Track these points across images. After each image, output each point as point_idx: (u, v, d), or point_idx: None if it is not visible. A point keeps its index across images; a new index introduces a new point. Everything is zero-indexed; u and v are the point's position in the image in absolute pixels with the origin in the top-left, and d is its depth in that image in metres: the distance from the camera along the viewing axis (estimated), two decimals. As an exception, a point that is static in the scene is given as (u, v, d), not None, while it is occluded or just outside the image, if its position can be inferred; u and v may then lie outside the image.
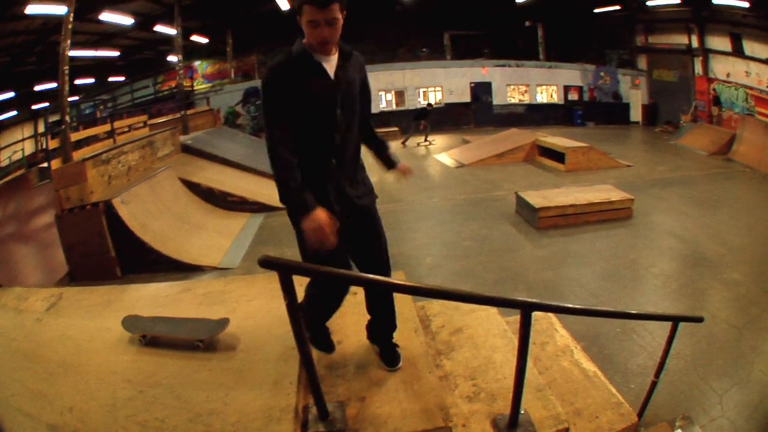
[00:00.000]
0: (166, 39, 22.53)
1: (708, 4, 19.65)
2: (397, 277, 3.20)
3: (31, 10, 14.27)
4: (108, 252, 8.64)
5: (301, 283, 2.46)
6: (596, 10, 25.07)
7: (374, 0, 26.30)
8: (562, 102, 27.81)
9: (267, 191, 12.46)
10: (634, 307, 6.83)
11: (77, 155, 10.58)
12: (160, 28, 21.59)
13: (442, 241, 9.83)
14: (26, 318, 4.27)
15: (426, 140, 23.10)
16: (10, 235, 13.68)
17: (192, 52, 29.60)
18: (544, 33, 28.51)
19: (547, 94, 28.04)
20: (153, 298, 4.60)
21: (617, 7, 24.20)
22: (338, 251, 2.82)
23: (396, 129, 25.49)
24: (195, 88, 29.58)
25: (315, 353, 3.25)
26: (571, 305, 3.14)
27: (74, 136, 11.84)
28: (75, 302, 4.60)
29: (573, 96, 27.73)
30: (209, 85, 29.73)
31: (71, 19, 11.05)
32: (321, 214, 2.62)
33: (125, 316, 3.82)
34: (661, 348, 4.30)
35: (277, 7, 22.62)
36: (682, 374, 5.27)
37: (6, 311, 4.58)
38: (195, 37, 26.65)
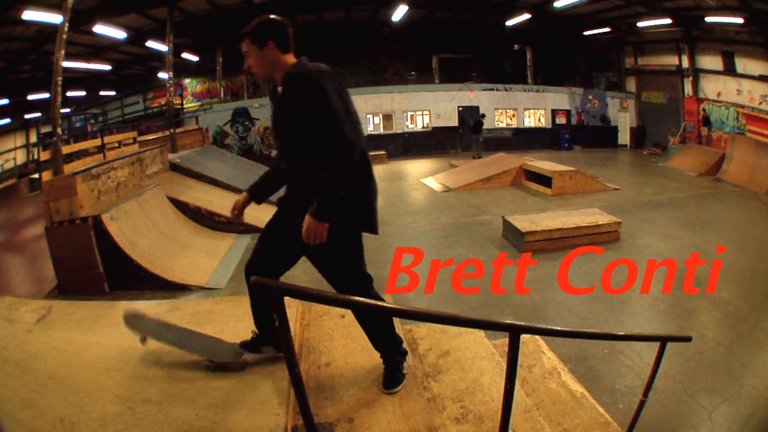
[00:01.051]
0: (157, 55, 22.69)
1: (699, 23, 19.90)
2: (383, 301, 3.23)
3: (27, 15, 14.33)
4: (96, 267, 8.61)
5: (289, 306, 2.48)
6: (586, 33, 25.33)
7: (362, 23, 26.60)
8: (549, 126, 28.04)
9: (254, 213, 12.43)
10: (622, 329, 6.87)
11: (68, 168, 10.59)
12: (151, 44, 21.67)
13: (428, 264, 9.84)
14: (17, 328, 4.24)
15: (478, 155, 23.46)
16: (1, 245, 13.61)
17: (182, 69, 29.67)
18: (532, 57, 28.81)
19: (534, 118, 28.26)
20: (142, 314, 4.61)
21: (607, 29, 24.45)
22: (268, 250, 3.35)
23: (383, 152, 25.61)
24: (184, 106, 29.64)
25: (304, 374, 3.27)
26: (558, 328, 3.17)
27: (65, 149, 11.82)
28: (65, 315, 4.58)
29: (561, 120, 27.98)
30: (198, 103, 29.80)
31: (66, 29, 11.15)
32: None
33: (128, 309, 3.83)
34: (649, 368, 4.33)
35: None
36: (670, 393, 5.32)
37: None
38: (185, 55, 26.76)
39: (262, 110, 25.50)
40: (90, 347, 3.90)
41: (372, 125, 27.13)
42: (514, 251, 10.24)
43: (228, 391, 3.25)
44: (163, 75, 20.59)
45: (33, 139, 23.56)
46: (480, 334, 4.28)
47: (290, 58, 3.17)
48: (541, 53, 28.68)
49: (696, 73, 22.35)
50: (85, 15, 16.41)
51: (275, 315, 2.15)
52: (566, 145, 27.26)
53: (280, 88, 3.14)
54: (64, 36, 11.11)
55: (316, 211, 2.89)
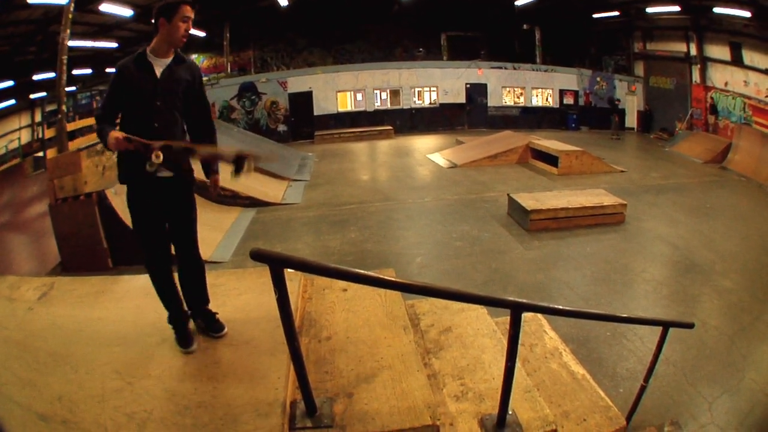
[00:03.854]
0: None
1: (708, 12, 19.64)
2: (387, 274, 3.20)
3: None
4: (100, 243, 8.63)
5: (291, 279, 2.46)
6: (595, 16, 25.04)
7: (370, 1, 26.31)
8: (557, 106, 27.76)
9: (260, 186, 12.36)
10: (625, 311, 6.82)
11: (72, 145, 10.57)
12: (159, 21, 21.48)
13: (433, 240, 9.83)
14: (18, 307, 4.23)
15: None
16: (3, 224, 13.65)
17: (189, 45, 29.35)
18: (541, 36, 28.36)
19: (542, 98, 27.95)
20: (144, 288, 4.54)
21: (616, 13, 24.17)
22: (151, 224, 3.51)
23: (390, 128, 25.55)
24: None
25: (304, 348, 3.26)
26: (561, 306, 3.16)
27: (70, 126, 11.81)
28: (67, 292, 4.57)
29: (568, 100, 27.69)
30: (206, 78, 29.66)
31: (72, 9, 11.11)
32: (115, 132, 3.16)
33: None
34: (650, 353, 4.32)
35: (275, 3, 22.59)
36: (671, 380, 5.30)
37: None
38: (193, 31, 26.44)
39: (268, 85, 25.46)
40: (91, 323, 3.90)
41: (379, 101, 26.92)
42: (519, 229, 10.21)
43: (227, 365, 3.25)
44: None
45: (38, 118, 23.49)
46: (482, 311, 4.27)
47: None
48: (550, 34, 28.23)
49: (704, 61, 22.05)
50: None
51: (274, 287, 2.13)
52: (573, 125, 27.07)
53: (163, 61, 3.45)
54: (70, 16, 11.09)
55: (216, 169, 3.63)
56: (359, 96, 26.51)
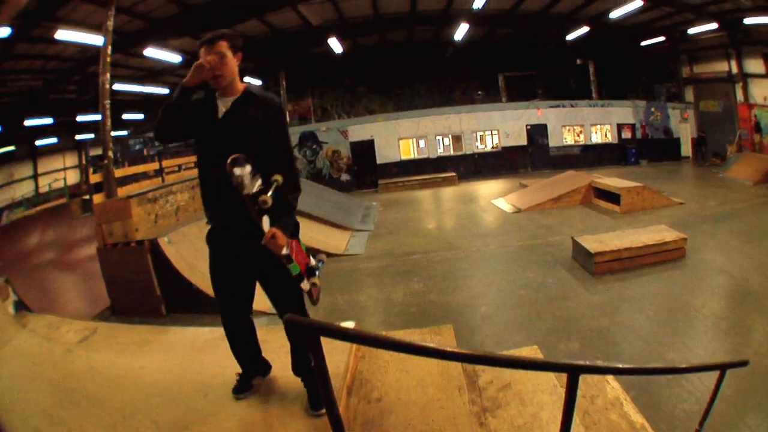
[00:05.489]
0: None
1: (740, 25, 19.33)
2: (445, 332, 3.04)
3: (62, 36, 14.01)
4: (153, 290, 8.63)
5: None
6: (643, 43, 24.67)
7: (425, 44, 26.56)
8: (616, 141, 27.01)
9: (323, 237, 12.44)
10: (686, 351, 6.58)
11: (122, 191, 10.67)
12: (210, 68, 21.83)
13: (497, 289, 9.61)
14: (56, 347, 4.26)
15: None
16: (48, 262, 13.92)
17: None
18: (595, 70, 27.97)
19: (601, 134, 27.29)
20: (191, 341, 4.54)
21: (661, 39, 23.79)
22: (229, 278, 3.33)
23: (453, 174, 25.23)
24: None
25: (352, 409, 3.16)
26: (620, 365, 3.00)
27: (118, 173, 11.89)
28: (110, 338, 4.59)
29: (626, 134, 26.97)
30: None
31: (109, 52, 11.04)
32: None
33: None
34: (708, 391, 4.12)
35: (329, 50, 22.85)
36: (724, 418, 5.03)
37: (34, 337, 4.58)
38: (249, 79, 26.81)
39: (329, 134, 25.56)
40: (132, 371, 3.87)
41: (441, 147, 26.66)
42: (584, 272, 9.92)
43: (268, 426, 3.16)
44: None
45: (85, 161, 24.15)
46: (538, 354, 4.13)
47: None
48: (602, 67, 27.91)
49: (744, 77, 21.65)
50: (133, 37, 16.56)
51: (312, 355, 2.00)
52: (633, 159, 26.32)
53: (227, 99, 3.18)
54: (108, 59, 10.97)
55: (284, 224, 3.08)
56: (421, 143, 26.37)
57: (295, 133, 25.56)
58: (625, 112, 26.93)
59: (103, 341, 4.48)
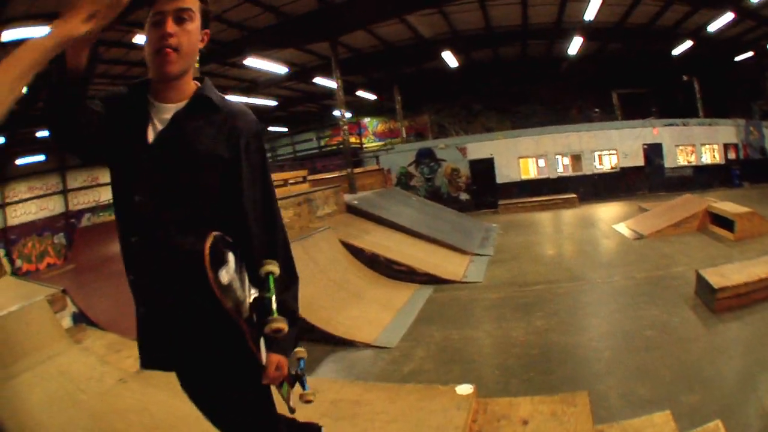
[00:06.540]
0: (331, 92, 22.28)
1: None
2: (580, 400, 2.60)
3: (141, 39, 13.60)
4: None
5: (458, 406, 2.15)
6: (736, 59, 23.55)
7: (538, 59, 26.12)
8: (723, 162, 25.44)
9: (440, 261, 11.86)
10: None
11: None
12: (319, 80, 21.98)
13: (622, 329, 8.92)
14: (109, 373, 3.80)
15: None
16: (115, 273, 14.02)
17: (360, 108, 30.22)
18: (700, 87, 26.61)
19: (710, 154, 25.72)
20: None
21: (751, 54, 22.78)
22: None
23: (574, 195, 24.13)
24: (365, 145, 29.99)
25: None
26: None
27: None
28: (174, 375, 4.20)
29: (731, 154, 25.43)
30: (381, 143, 30.22)
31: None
32: None
33: None
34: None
35: (444, 65, 22.76)
36: None
37: (87, 356, 4.12)
38: (361, 93, 27.16)
39: (447, 151, 25.15)
40: (187, 420, 3.16)
41: (561, 166, 25.63)
42: (705, 310, 9.23)
43: None
44: (337, 113, 20.59)
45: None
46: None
47: None
48: (704, 83, 26.49)
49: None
50: (232, 47, 16.62)
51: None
52: (736, 182, 24.69)
53: (167, 107, 1.95)
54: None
55: (287, 346, 2.03)
56: (541, 162, 25.44)
57: (411, 149, 25.37)
58: (728, 131, 25.44)
59: (166, 377, 4.04)
